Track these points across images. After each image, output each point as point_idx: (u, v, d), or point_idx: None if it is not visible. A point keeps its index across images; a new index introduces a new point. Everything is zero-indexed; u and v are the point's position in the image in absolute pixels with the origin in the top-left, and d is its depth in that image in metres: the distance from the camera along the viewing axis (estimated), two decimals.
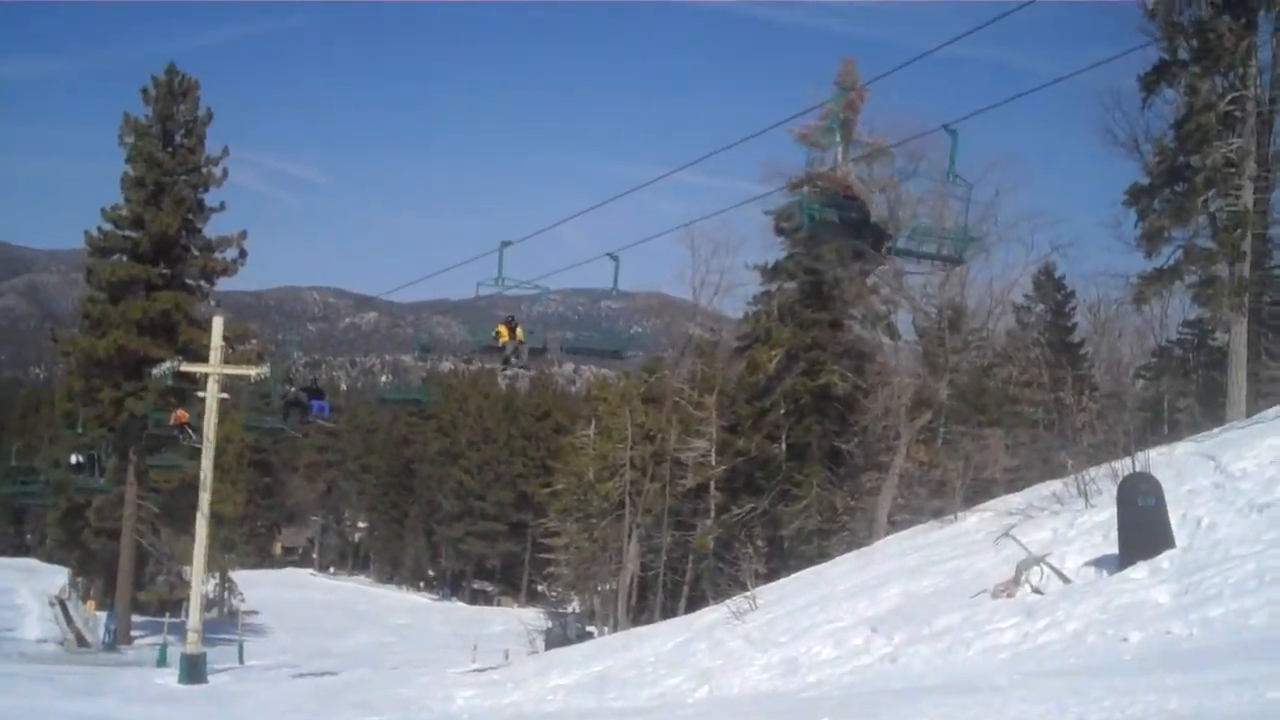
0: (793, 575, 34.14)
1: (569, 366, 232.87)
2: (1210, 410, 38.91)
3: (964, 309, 48.11)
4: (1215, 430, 28.75)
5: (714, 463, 58.82)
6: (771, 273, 56.42)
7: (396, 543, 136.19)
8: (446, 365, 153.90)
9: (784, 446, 54.89)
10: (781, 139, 65.26)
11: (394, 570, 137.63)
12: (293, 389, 32.22)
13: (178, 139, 59.55)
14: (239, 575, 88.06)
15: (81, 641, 56.57)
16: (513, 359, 25.50)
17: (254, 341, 60.13)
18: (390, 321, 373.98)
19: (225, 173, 59.59)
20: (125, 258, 58.30)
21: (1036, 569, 18.29)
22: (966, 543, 24.57)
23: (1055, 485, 26.06)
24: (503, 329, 25.37)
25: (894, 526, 39.69)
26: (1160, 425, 41.62)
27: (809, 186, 41.95)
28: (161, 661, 42.75)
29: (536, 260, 20.75)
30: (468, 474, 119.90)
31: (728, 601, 29.35)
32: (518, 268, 21.37)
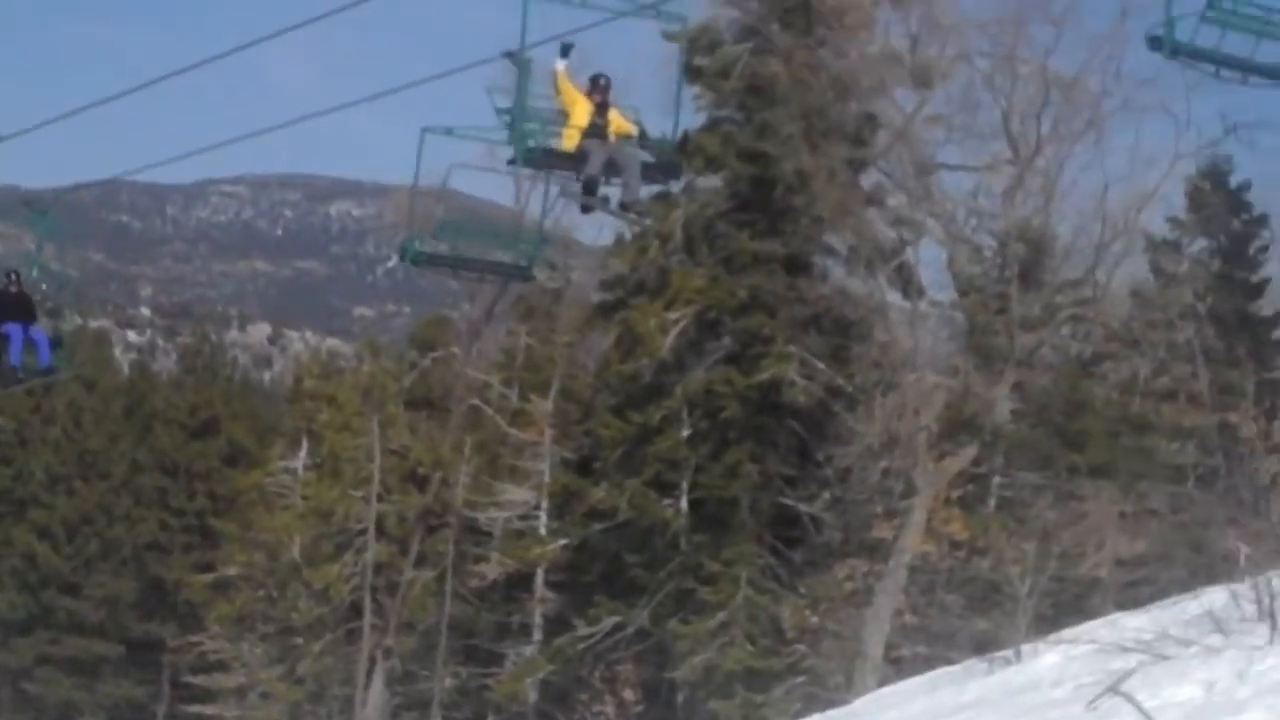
0: None
1: (259, 330, 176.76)
2: None
3: (1050, 241, 37.46)
4: None
5: (544, 532, 45.34)
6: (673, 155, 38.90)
7: None
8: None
9: (684, 505, 40.23)
10: None
11: None
12: None
13: None
14: None
15: None
16: (609, 188, 14.70)
17: None
18: None
19: None
20: None
21: None
22: (1038, 705, 17.48)
23: (1215, 596, 19.12)
24: (579, 99, 14.76)
25: (897, 669, 33.04)
26: None
27: None
28: None
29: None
30: (44, 541, 69.26)
31: None
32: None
